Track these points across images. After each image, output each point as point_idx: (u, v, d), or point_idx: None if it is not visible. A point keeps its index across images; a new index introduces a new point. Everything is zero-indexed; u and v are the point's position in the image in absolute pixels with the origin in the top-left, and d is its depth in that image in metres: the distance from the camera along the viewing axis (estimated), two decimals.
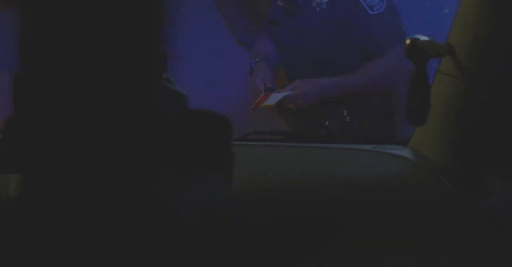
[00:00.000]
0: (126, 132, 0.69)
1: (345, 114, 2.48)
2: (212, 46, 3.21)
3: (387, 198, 1.28)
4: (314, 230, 1.20)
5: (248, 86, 2.57)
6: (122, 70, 0.68)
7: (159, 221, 0.70)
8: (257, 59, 2.58)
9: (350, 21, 2.41)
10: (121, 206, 0.68)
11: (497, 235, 1.23)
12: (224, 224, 0.75)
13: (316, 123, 2.49)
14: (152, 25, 0.70)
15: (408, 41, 1.20)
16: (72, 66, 0.67)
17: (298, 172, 1.34)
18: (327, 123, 2.49)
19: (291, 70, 2.58)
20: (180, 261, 0.71)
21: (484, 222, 1.24)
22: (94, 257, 0.67)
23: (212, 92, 3.02)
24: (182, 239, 0.70)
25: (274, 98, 2.42)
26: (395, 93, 2.49)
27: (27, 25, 0.68)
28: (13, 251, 0.68)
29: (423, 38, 1.20)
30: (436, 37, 1.23)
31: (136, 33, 0.68)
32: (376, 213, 1.25)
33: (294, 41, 2.52)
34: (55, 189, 0.68)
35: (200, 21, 3.06)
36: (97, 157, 0.68)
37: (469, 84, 1.27)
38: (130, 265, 0.68)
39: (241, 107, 2.54)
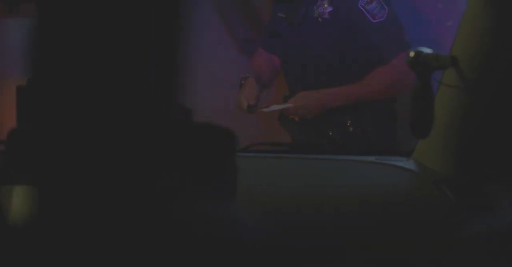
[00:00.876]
0: (130, 145, 0.69)
1: (348, 124, 2.47)
2: (215, 55, 3.22)
3: (390, 209, 1.28)
4: (316, 240, 1.21)
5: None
6: (127, 84, 0.68)
7: (161, 233, 0.70)
8: (247, 75, 2.56)
9: (353, 30, 2.41)
10: (126, 215, 0.69)
11: (501, 244, 1.23)
12: (226, 234, 0.75)
13: (320, 133, 2.49)
14: (155, 38, 0.70)
15: (411, 54, 1.20)
16: (77, 78, 0.67)
17: (301, 183, 1.34)
18: (330, 133, 2.49)
19: (293, 81, 2.57)
20: (177, 264, 0.71)
21: (487, 231, 1.24)
22: (97, 261, 0.68)
23: (214, 102, 3.02)
24: (181, 252, 0.71)
25: (272, 108, 2.44)
26: (399, 102, 2.49)
27: (34, 36, 0.68)
28: (16, 259, 0.68)
29: (426, 50, 1.20)
30: (439, 50, 1.23)
31: (142, 42, 0.69)
32: (379, 224, 1.25)
33: (297, 52, 2.52)
34: (59, 200, 0.68)
35: (202, 29, 3.06)
36: (101, 168, 0.68)
37: (472, 96, 1.27)
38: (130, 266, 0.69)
39: (244, 118, 2.54)
